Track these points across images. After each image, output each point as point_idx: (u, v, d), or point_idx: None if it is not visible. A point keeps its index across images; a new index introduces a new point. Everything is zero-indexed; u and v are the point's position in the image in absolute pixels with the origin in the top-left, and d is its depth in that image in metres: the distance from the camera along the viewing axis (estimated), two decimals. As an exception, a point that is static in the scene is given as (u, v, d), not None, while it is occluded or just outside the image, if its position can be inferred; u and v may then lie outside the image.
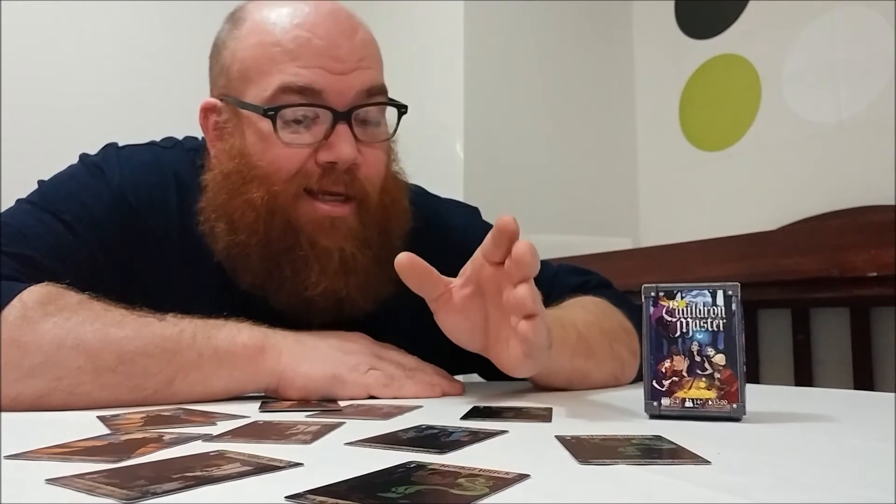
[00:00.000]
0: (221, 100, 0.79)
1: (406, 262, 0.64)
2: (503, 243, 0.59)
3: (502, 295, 0.60)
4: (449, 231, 0.91)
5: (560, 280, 0.90)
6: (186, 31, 2.35)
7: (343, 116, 0.75)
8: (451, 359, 0.79)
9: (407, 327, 0.78)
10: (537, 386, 0.76)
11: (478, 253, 0.63)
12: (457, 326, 0.67)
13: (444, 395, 0.72)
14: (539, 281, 0.70)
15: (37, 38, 2.17)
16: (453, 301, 0.65)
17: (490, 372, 0.89)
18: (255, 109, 0.75)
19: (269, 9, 0.78)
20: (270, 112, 0.74)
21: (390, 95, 0.81)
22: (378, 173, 0.79)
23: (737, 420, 0.53)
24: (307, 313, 0.76)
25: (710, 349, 0.54)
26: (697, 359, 0.54)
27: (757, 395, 0.59)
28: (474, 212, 0.98)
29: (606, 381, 0.77)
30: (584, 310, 0.81)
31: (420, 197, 0.91)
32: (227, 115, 0.79)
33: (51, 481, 0.35)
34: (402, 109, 0.81)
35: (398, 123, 0.82)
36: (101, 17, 2.27)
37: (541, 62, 2.25)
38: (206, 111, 0.81)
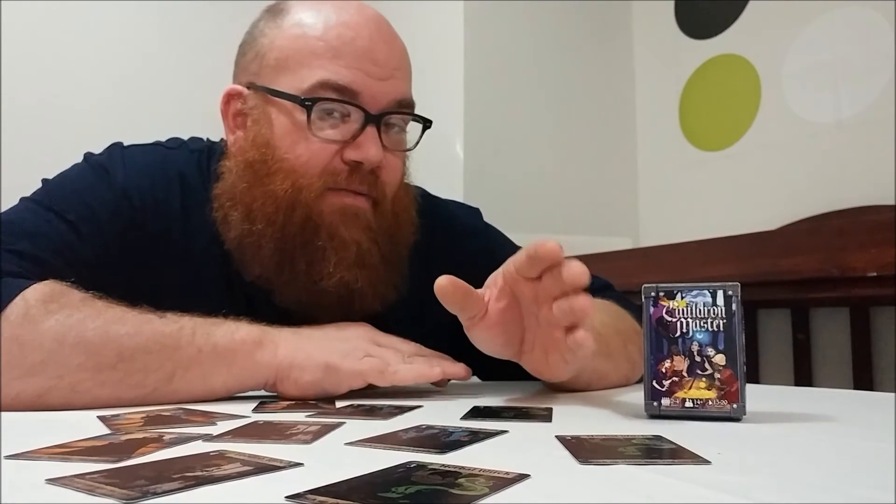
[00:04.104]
0: (249, 87, 0.80)
1: (449, 284, 0.63)
2: (542, 265, 0.60)
3: (539, 306, 0.62)
4: (452, 233, 0.91)
5: None
6: (191, 31, 2.35)
7: (374, 119, 0.76)
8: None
9: (410, 331, 0.78)
10: (554, 388, 0.75)
11: (510, 267, 0.63)
12: (492, 340, 0.67)
13: (445, 376, 0.71)
14: None
15: (39, 36, 2.17)
16: (489, 316, 0.65)
17: (488, 373, 0.89)
18: (293, 98, 0.76)
19: (313, 7, 0.79)
20: (308, 102, 0.75)
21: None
22: (395, 180, 0.80)
23: (737, 420, 0.53)
24: (314, 308, 0.76)
25: (710, 349, 0.54)
26: (697, 359, 0.54)
27: (757, 395, 0.59)
28: (476, 213, 0.98)
29: (619, 382, 0.78)
30: (600, 311, 0.82)
31: (422, 199, 0.91)
32: (254, 103, 0.79)
33: (51, 481, 0.35)
34: (427, 124, 0.83)
35: (420, 137, 0.83)
36: (104, 16, 2.27)
37: (541, 62, 2.25)
38: (230, 97, 0.81)
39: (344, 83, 0.75)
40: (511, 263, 0.63)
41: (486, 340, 0.67)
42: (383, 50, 0.78)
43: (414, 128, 0.84)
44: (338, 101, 0.75)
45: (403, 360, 0.71)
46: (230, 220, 0.77)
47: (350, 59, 0.76)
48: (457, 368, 0.73)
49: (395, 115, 0.79)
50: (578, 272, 0.57)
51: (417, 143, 0.83)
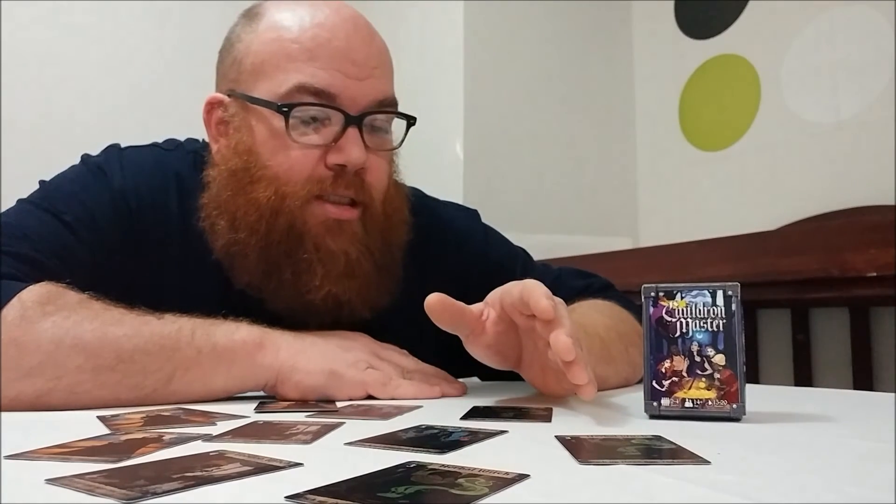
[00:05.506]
0: (229, 95, 0.79)
1: (438, 304, 0.62)
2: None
3: (536, 338, 0.62)
4: (448, 235, 0.91)
5: (564, 283, 0.90)
6: (189, 33, 2.35)
7: (355, 121, 0.75)
8: (450, 363, 0.79)
9: (404, 333, 0.78)
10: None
11: (507, 300, 0.63)
12: (489, 357, 0.68)
13: (444, 395, 0.71)
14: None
15: (38, 37, 2.17)
16: (486, 336, 0.65)
17: (489, 374, 0.89)
18: (269, 105, 0.75)
19: (289, 8, 0.78)
20: (285, 108, 0.74)
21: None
22: (381, 181, 0.79)
23: (737, 420, 0.53)
24: (305, 316, 0.76)
25: (710, 349, 0.54)
26: (697, 359, 0.54)
27: (757, 395, 0.59)
28: (473, 214, 0.98)
29: (619, 385, 0.78)
30: (602, 314, 0.81)
31: (418, 200, 0.90)
32: (235, 110, 0.78)
33: (51, 481, 0.35)
34: (411, 121, 0.81)
35: (405, 134, 0.82)
36: (102, 17, 2.27)
37: (540, 62, 2.25)
38: (211, 105, 0.80)
39: (321, 86, 0.74)
40: (508, 297, 0.63)
41: (483, 356, 0.67)
42: (361, 49, 0.76)
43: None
44: (315, 104, 0.74)
45: (403, 376, 0.72)
46: (217, 230, 0.77)
47: (326, 60, 0.74)
48: (455, 388, 0.73)
49: (376, 115, 0.77)
50: (565, 350, 0.54)
51: (403, 140, 0.82)
